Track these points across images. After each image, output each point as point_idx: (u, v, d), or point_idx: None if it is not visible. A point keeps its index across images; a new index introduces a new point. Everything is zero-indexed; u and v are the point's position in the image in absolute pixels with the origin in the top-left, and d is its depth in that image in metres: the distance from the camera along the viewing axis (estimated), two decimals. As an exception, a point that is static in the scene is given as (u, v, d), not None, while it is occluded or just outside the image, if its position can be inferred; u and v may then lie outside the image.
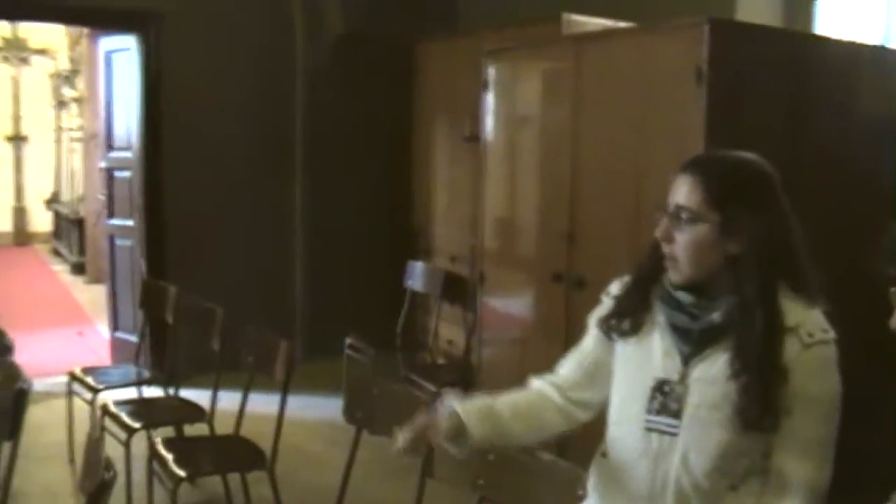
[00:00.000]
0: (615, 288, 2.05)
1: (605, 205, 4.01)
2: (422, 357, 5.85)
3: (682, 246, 1.83)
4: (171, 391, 4.54)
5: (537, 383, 2.13)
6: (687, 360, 1.86)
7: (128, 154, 6.38)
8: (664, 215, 1.86)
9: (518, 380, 2.19)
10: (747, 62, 3.53)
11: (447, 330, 5.75)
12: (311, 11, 6.48)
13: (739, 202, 1.79)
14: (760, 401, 1.74)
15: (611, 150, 3.99)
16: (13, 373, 3.19)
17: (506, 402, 2.07)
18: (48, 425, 4.97)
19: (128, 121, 6.37)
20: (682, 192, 1.83)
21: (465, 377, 4.93)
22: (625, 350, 1.98)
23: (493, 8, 6.25)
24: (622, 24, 4.41)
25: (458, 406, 1.99)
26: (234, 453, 3.78)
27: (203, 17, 6.19)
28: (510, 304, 4.74)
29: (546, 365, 2.19)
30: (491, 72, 4.79)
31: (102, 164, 6.84)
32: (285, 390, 3.55)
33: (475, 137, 5.14)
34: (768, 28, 4.46)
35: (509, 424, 2.03)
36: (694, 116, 3.41)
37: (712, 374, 1.82)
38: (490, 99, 4.81)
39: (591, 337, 2.08)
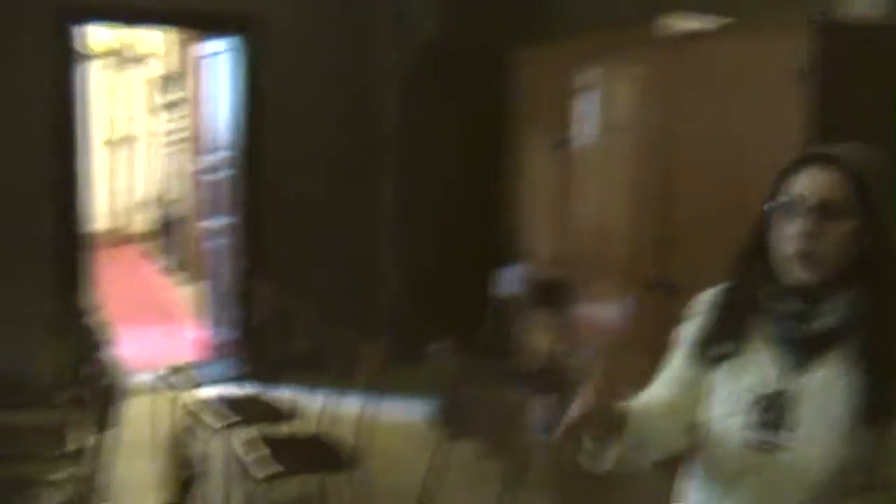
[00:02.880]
0: (706, 301, 1.94)
1: (702, 211, 3.92)
2: (512, 363, 5.80)
3: (830, 242, 1.73)
4: (263, 389, 4.59)
5: (648, 399, 1.96)
6: (793, 371, 1.77)
7: (226, 155, 6.51)
8: (791, 212, 1.77)
9: (610, 389, 2.07)
10: (852, 62, 3.41)
11: (539, 336, 5.69)
12: (401, 16, 6.50)
13: (879, 196, 1.74)
14: (885, 397, 1.67)
15: (708, 154, 3.89)
16: (113, 366, 3.28)
17: (640, 409, 1.88)
18: (145, 418, 5.07)
19: (226, 123, 6.50)
20: (825, 186, 1.74)
21: (556, 385, 4.86)
22: (724, 367, 1.88)
23: (587, 12, 6.16)
24: (719, 24, 4.29)
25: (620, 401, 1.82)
26: (319, 454, 3.80)
27: (298, 22, 6.30)
28: (602, 311, 4.67)
29: (638, 375, 2.11)
30: (585, 77, 4.73)
31: (202, 165, 6.99)
32: (372, 391, 3.55)
33: (568, 143, 5.09)
34: (874, 25, 4.28)
35: (650, 434, 1.86)
36: (795, 119, 3.31)
37: (821, 384, 1.73)
38: (584, 104, 4.75)
39: (683, 357, 1.95)
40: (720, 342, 1.87)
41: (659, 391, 1.98)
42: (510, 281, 5.66)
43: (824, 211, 1.73)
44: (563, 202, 5.32)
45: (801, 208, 1.75)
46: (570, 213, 4.96)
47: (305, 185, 6.41)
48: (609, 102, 4.74)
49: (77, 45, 6.00)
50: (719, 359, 1.86)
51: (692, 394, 1.92)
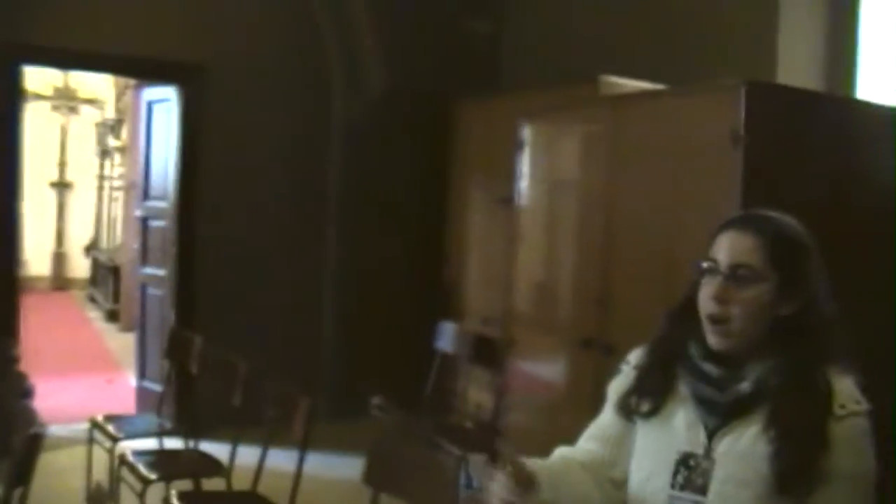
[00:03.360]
0: (634, 357, 1.95)
1: (638, 270, 3.93)
2: (449, 420, 5.75)
3: (740, 306, 1.73)
4: (192, 443, 4.48)
5: (571, 454, 1.99)
6: (713, 434, 1.76)
7: (163, 204, 6.42)
8: (709, 275, 1.77)
9: (546, 446, 2.08)
10: (786, 126, 3.47)
11: (476, 393, 5.65)
12: (350, 68, 6.51)
13: (796, 263, 1.74)
14: (796, 467, 1.64)
15: (645, 214, 3.92)
16: (29, 417, 3.17)
17: (557, 466, 1.93)
18: (68, 471, 4.92)
19: (165, 170, 6.42)
20: (740, 250, 1.75)
21: (492, 442, 4.82)
22: (646, 423, 1.88)
23: (533, 69, 6.24)
24: (660, 87, 4.36)
25: (527, 460, 1.84)
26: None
27: (243, 71, 6.27)
28: (540, 369, 4.65)
29: (575, 433, 2.09)
30: (526, 132, 4.76)
31: (138, 213, 6.89)
32: (304, 447, 3.48)
33: (510, 198, 5.10)
34: (808, 91, 4.39)
35: (566, 489, 1.87)
36: (730, 181, 3.34)
37: (740, 448, 1.73)
38: (525, 160, 4.77)
39: (611, 412, 1.97)
40: (642, 397, 1.87)
41: (583, 445, 2.00)
42: (449, 337, 5.63)
43: (734, 275, 1.75)
44: (505, 258, 5.31)
45: (715, 271, 1.76)
46: (512, 269, 4.95)
47: (246, 235, 6.33)
48: (551, 159, 4.77)
49: (20, 85, 5.91)
50: (643, 414, 1.86)
51: (616, 449, 1.93)
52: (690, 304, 1.83)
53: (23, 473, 3.01)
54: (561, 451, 2.02)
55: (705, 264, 1.79)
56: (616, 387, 1.97)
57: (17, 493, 3.04)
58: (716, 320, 1.76)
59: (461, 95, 6.38)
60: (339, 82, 6.55)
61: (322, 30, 6.49)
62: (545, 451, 2.06)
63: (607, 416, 1.98)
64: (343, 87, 6.54)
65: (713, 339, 1.77)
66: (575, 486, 1.90)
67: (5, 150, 5.74)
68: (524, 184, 4.80)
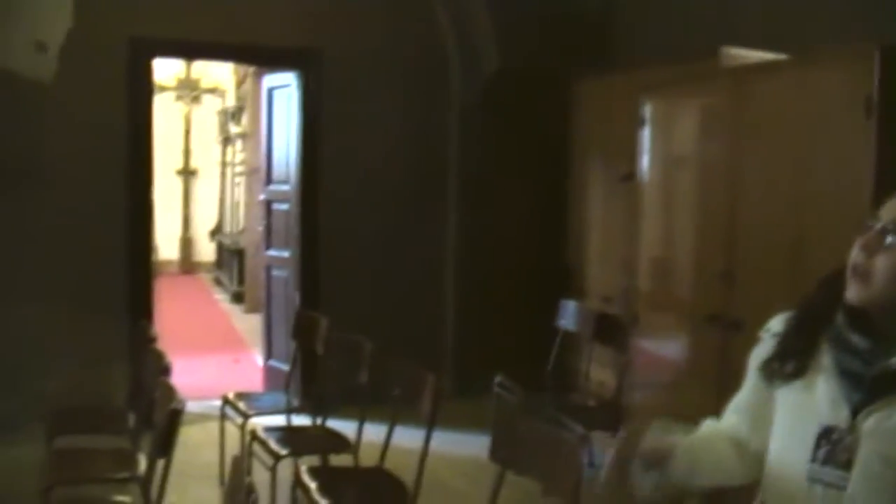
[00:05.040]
0: (776, 325, 1.89)
1: (765, 244, 3.85)
2: (572, 398, 5.74)
3: (886, 260, 1.67)
4: (319, 420, 4.59)
5: (717, 427, 1.98)
6: (857, 409, 1.71)
7: (286, 187, 6.57)
8: (869, 230, 1.72)
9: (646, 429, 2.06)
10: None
11: (598, 371, 5.61)
12: (465, 47, 6.53)
13: None
14: None
15: (771, 187, 3.83)
16: (169, 393, 3.30)
17: (699, 441, 1.93)
18: (203, 445, 5.11)
19: (287, 155, 6.57)
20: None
21: (616, 420, 4.79)
22: (787, 394, 1.82)
23: (650, 43, 6.12)
24: (783, 56, 4.24)
25: (663, 432, 1.85)
26: (377, 486, 3.78)
27: (359, 54, 6.36)
28: (663, 346, 4.60)
29: (699, 410, 2.07)
30: (647, 108, 4.70)
31: (262, 197, 7.08)
32: (431, 425, 3.52)
33: (631, 176, 5.05)
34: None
35: (706, 465, 1.89)
36: (863, 153, 3.23)
37: (890, 426, 1.66)
38: (646, 136, 4.71)
39: (751, 381, 1.93)
40: (785, 359, 1.82)
41: (725, 419, 1.98)
42: (571, 315, 5.61)
43: (884, 233, 1.68)
44: (626, 235, 5.26)
45: (872, 226, 1.71)
46: (634, 247, 4.90)
47: (367, 216, 6.45)
48: (672, 135, 4.70)
49: (150, 78, 6.14)
50: (786, 376, 1.82)
51: (757, 420, 1.90)
52: (844, 271, 1.77)
53: (164, 446, 3.16)
54: (707, 424, 2.00)
55: (870, 222, 1.72)
56: (756, 354, 1.92)
57: (160, 463, 3.20)
58: (857, 270, 1.70)
59: (577, 72, 6.31)
60: (455, 63, 6.57)
61: (436, 11, 6.52)
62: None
63: (748, 386, 1.95)
64: (458, 68, 6.56)
65: (850, 291, 1.71)
66: (716, 461, 1.89)
67: (138, 141, 5.97)
68: (645, 160, 4.75)
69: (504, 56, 6.42)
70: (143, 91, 6.06)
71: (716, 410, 2.02)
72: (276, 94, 6.75)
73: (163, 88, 12.70)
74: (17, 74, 5.49)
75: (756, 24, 4.74)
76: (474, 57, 6.51)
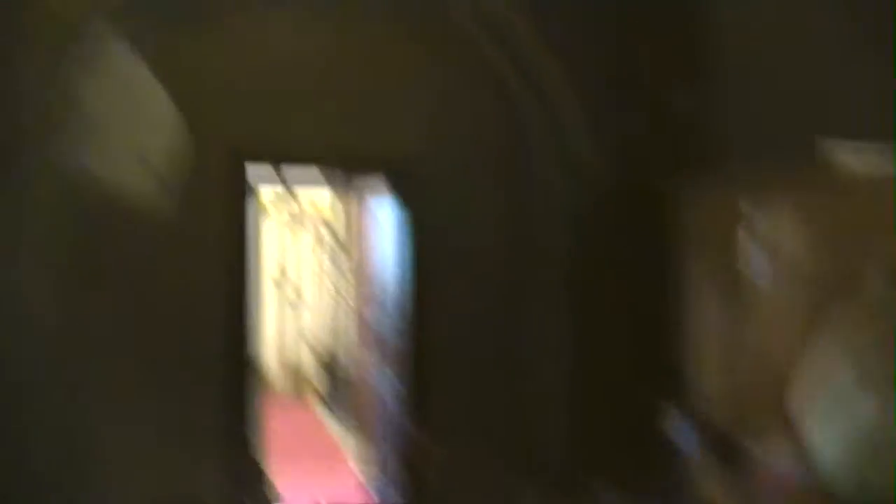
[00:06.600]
0: None
1: None
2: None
3: None
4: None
5: None
6: None
7: (390, 306, 6.61)
8: None
9: None
10: None
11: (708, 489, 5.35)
12: (564, 153, 6.52)
13: None
14: None
15: None
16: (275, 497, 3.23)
17: None
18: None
19: (389, 276, 6.65)
20: None
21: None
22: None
23: (745, 137, 5.94)
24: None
25: None
26: None
27: (459, 170, 6.47)
28: (780, 466, 4.37)
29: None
30: (753, 214, 4.59)
31: (367, 316, 7.13)
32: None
33: (739, 282, 4.90)
34: None
35: None
36: None
37: None
38: (754, 241, 4.60)
39: None
40: None
41: None
42: (679, 429, 5.40)
43: None
44: (734, 346, 5.08)
45: None
46: (742, 359, 4.72)
47: (470, 331, 6.44)
48: (779, 241, 4.56)
49: (251, 186, 6.33)
50: None
51: None
52: None
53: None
54: None
55: None
56: None
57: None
58: None
59: (677, 174, 6.15)
60: (556, 169, 6.58)
61: (527, 119, 6.58)
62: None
63: None
64: (561, 174, 6.56)
65: None
66: None
67: (240, 247, 6.16)
68: (754, 267, 4.62)
69: (604, 160, 6.37)
70: (244, 197, 6.26)
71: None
72: (375, 215, 6.87)
73: (265, 209, 13.02)
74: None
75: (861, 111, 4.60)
76: (576, 162, 6.49)
